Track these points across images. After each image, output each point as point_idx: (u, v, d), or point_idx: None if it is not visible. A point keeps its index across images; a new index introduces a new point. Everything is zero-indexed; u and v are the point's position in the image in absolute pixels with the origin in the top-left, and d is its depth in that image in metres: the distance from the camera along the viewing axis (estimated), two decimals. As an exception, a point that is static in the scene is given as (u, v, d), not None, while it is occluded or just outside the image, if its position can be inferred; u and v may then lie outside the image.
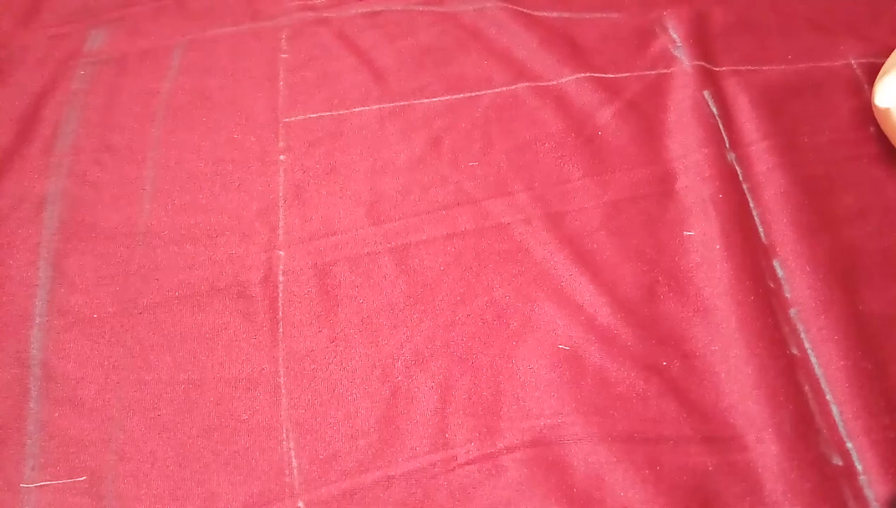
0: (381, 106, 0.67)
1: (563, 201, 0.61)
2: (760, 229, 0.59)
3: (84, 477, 0.50)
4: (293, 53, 0.71)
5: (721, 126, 0.63)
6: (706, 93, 0.65)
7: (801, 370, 0.52)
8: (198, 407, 0.53)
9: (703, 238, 0.58)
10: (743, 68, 0.67)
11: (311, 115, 0.66)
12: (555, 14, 0.73)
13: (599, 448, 0.49)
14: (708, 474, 0.49)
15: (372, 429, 0.51)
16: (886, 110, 0.59)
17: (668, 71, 0.68)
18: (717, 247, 0.57)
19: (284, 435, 0.51)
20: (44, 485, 0.50)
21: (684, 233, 0.59)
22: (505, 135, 0.65)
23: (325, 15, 0.74)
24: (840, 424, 0.50)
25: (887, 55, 0.65)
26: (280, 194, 0.62)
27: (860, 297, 0.55)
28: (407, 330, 0.55)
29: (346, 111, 0.67)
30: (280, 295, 0.57)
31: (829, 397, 0.51)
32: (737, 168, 0.61)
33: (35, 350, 0.55)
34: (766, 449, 0.49)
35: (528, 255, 0.58)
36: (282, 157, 0.64)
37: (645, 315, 0.55)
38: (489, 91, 0.67)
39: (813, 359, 0.52)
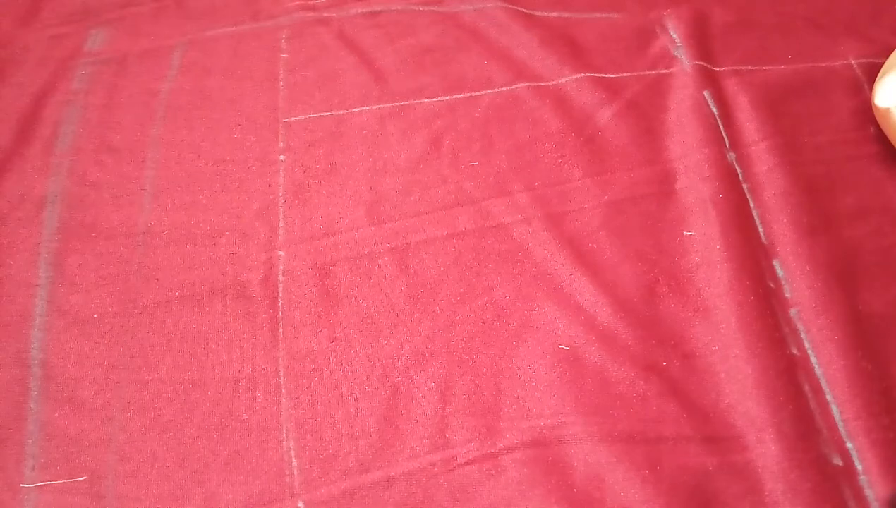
0: (381, 106, 0.67)
1: (563, 201, 0.61)
2: (760, 229, 0.59)
3: (84, 477, 0.50)
4: (293, 53, 0.71)
5: (721, 126, 0.63)
6: (706, 93, 0.65)
7: (801, 370, 0.52)
8: (198, 407, 0.53)
9: (703, 238, 0.58)
10: (743, 68, 0.67)
11: (311, 115, 0.66)
12: (555, 14, 0.73)
13: (599, 448, 0.49)
14: (708, 474, 0.49)
15: (372, 429, 0.51)
16: (886, 110, 0.59)
17: (668, 71, 0.68)
18: (717, 246, 0.57)
19: (284, 435, 0.51)
20: (44, 485, 0.50)
21: (684, 233, 0.59)
22: (505, 135, 0.65)
23: (325, 15, 0.74)
24: (840, 424, 0.50)
25: (887, 55, 0.65)
26: (280, 194, 0.62)
27: (860, 297, 0.55)
28: (407, 330, 0.55)
29: (346, 111, 0.67)
30: (280, 295, 0.57)
31: (829, 397, 0.51)
32: (737, 168, 0.61)
33: (35, 350, 0.55)
34: (766, 449, 0.49)
35: (528, 255, 0.58)
36: (282, 157, 0.64)
37: (645, 315, 0.55)
38: (489, 91, 0.67)
39: (813, 359, 0.52)
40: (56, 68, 0.70)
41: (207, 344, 0.55)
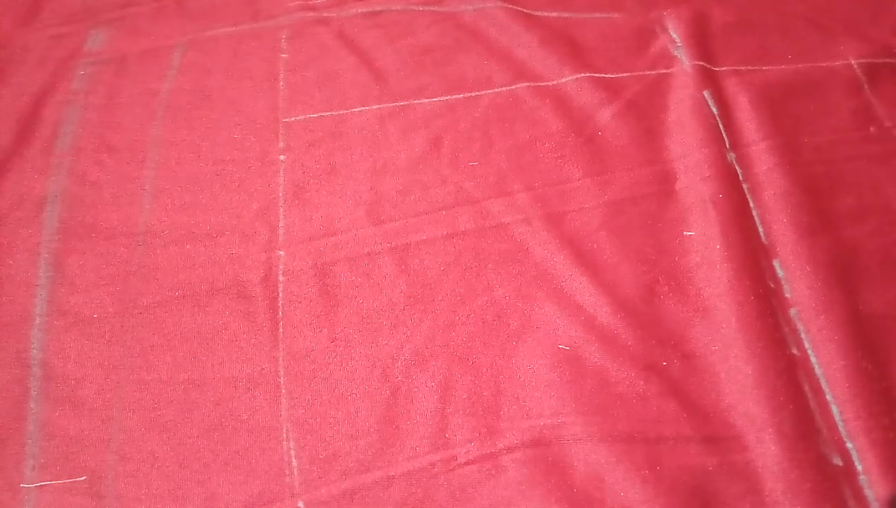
0: (381, 106, 0.67)
1: (563, 201, 0.61)
2: (760, 229, 0.59)
3: (84, 477, 0.50)
4: (293, 53, 0.71)
5: (721, 126, 0.63)
6: (706, 93, 0.65)
7: (801, 370, 0.52)
8: (198, 407, 0.53)
9: (703, 238, 0.58)
10: (743, 68, 0.67)
11: (311, 115, 0.66)
12: (555, 14, 0.73)
13: (599, 448, 0.49)
14: (708, 474, 0.49)
15: (372, 429, 0.51)
16: None
17: (668, 71, 0.68)
18: (717, 246, 0.57)
19: (284, 435, 0.51)
20: (44, 485, 0.50)
21: (684, 233, 0.59)
22: (505, 135, 0.65)
23: (325, 15, 0.74)
24: (840, 424, 0.50)
25: (887, 55, 0.65)
26: (280, 194, 0.62)
27: (860, 297, 0.55)
28: (407, 330, 0.55)
29: (346, 111, 0.67)
30: (280, 295, 0.57)
31: (829, 397, 0.51)
32: (737, 168, 0.61)
33: (35, 350, 0.55)
34: (766, 449, 0.49)
35: (528, 255, 0.58)
36: (282, 157, 0.64)
37: (645, 315, 0.55)
38: (489, 91, 0.67)
39: (813, 359, 0.52)
40: (56, 68, 0.70)
41: (207, 344, 0.55)
